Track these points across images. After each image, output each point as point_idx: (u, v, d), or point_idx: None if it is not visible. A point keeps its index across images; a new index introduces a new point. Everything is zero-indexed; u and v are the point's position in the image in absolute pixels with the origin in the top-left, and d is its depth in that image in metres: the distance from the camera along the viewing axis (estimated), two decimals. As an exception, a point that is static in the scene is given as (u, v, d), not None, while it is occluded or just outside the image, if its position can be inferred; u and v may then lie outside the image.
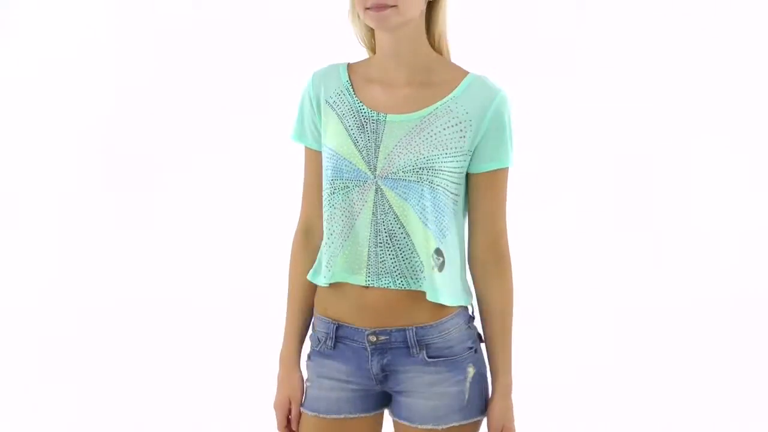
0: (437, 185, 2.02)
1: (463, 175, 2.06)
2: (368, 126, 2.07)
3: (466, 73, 2.08)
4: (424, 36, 2.06)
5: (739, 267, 4.08)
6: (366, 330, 2.06)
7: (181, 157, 4.13)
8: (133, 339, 4.03)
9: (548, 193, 4.09)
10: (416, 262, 2.05)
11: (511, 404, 2.13)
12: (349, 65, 2.17)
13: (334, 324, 2.10)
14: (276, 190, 4.03)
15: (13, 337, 4.04)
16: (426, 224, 2.03)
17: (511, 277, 2.14)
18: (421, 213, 2.02)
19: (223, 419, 3.82)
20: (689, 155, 4.09)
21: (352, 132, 2.08)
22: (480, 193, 2.07)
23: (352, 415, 2.13)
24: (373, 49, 2.15)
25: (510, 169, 2.10)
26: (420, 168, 2.01)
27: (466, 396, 2.08)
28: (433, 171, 2.01)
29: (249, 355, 3.96)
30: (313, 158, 2.18)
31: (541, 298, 4.05)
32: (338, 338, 2.10)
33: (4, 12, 4.13)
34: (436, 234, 2.04)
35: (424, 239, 2.03)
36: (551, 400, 3.86)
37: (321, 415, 2.14)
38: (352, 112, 2.10)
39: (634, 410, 3.83)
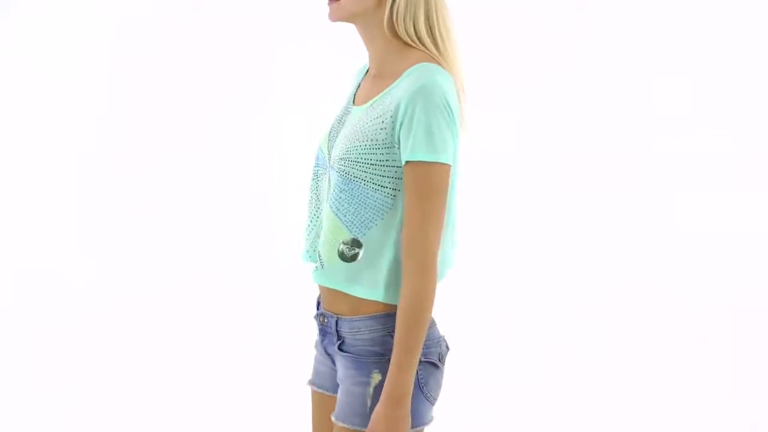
0: (354, 176, 1.98)
1: (399, 169, 1.98)
2: (343, 117, 2.11)
3: (414, 62, 2.01)
4: (382, 26, 2.02)
5: (739, 267, 4.09)
6: (320, 310, 2.10)
7: (180, 157, 4.14)
8: (130, 339, 4.03)
9: (547, 193, 4.10)
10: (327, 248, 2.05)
11: (393, 415, 1.94)
12: None
13: (318, 299, 2.14)
14: (276, 190, 4.04)
15: (11, 337, 4.05)
16: (337, 214, 2.01)
17: (414, 283, 1.95)
18: (335, 202, 2.01)
19: (223, 419, 3.83)
20: (688, 155, 4.10)
21: (334, 122, 2.12)
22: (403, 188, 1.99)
23: (329, 393, 2.15)
24: None
25: (430, 167, 1.95)
26: (340, 158, 2.01)
27: (369, 402, 2.01)
28: (350, 162, 1.99)
29: (248, 354, 3.97)
30: None
31: (541, 300, 4.06)
32: (318, 313, 2.14)
33: (4, 14, 4.14)
34: (350, 225, 2.00)
35: (332, 227, 2.01)
36: (549, 401, 3.87)
37: (311, 386, 2.19)
38: (346, 103, 2.15)
39: (631, 411, 3.85)
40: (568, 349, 3.99)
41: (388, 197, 1.99)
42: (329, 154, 2.08)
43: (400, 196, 1.99)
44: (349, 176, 1.99)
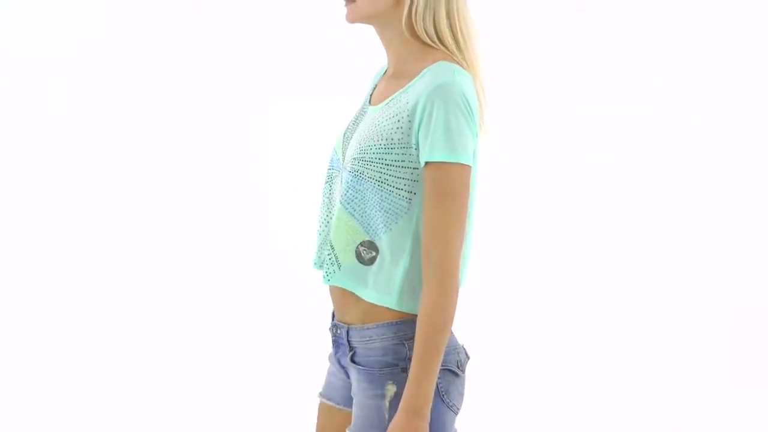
0: (368, 177, 1.90)
1: (416, 170, 1.89)
2: (359, 118, 2.04)
3: (432, 62, 1.93)
4: (401, 26, 1.95)
5: (739, 269, 4.08)
6: (334, 320, 2.04)
7: (179, 158, 4.13)
8: (137, 350, 4.02)
9: (549, 194, 4.09)
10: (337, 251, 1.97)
11: (411, 425, 1.85)
12: None
13: (333, 309, 2.07)
14: (275, 192, 4.03)
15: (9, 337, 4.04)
16: (353, 214, 1.94)
17: (435, 289, 1.86)
18: (350, 203, 1.93)
19: (220, 421, 3.82)
20: (691, 156, 4.10)
21: (349, 123, 2.06)
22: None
23: (339, 406, 2.08)
24: None
25: (449, 168, 1.86)
26: (354, 158, 1.93)
27: (386, 415, 1.92)
28: (363, 162, 1.91)
29: (245, 357, 3.96)
30: None
31: (542, 301, 4.06)
32: (332, 324, 2.07)
33: (4, 14, 4.13)
34: (366, 227, 1.93)
35: (348, 228, 1.94)
36: (549, 402, 3.86)
37: (321, 398, 2.13)
38: (362, 104, 2.09)
39: (632, 412, 3.84)
40: (589, 354, 3.98)
41: (403, 200, 1.91)
42: (343, 155, 2.01)
43: (417, 201, 1.91)
44: (363, 176, 1.92)
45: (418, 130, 1.89)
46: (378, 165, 1.91)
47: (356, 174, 1.93)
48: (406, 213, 1.91)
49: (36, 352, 4.01)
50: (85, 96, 4.13)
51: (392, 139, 1.90)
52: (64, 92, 4.13)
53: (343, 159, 2.01)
